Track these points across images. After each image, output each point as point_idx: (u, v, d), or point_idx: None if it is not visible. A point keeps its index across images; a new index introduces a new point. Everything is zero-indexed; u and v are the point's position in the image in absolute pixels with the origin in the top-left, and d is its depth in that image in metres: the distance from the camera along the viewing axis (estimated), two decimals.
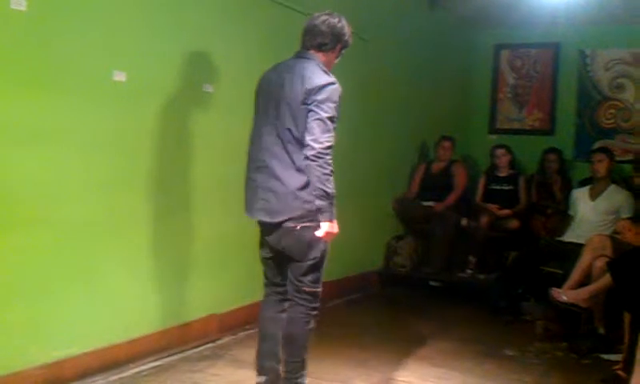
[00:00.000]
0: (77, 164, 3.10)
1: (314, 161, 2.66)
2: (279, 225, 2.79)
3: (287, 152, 2.75)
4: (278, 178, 2.77)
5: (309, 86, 2.71)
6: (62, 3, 2.98)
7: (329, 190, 2.69)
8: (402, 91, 5.83)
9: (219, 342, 3.88)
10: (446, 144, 6.08)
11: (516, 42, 6.99)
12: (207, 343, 3.81)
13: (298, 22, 4.32)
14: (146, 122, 3.45)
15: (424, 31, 6.12)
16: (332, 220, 2.75)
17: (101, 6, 3.17)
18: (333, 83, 2.74)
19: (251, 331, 4.06)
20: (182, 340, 3.70)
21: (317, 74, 2.76)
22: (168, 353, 3.57)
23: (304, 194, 2.73)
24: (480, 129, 7.12)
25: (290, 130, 2.74)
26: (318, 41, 2.89)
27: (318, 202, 2.70)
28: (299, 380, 2.86)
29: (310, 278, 2.84)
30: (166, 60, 3.54)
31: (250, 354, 3.64)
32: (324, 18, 2.90)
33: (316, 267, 2.84)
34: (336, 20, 2.91)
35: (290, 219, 2.76)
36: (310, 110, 2.70)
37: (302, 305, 2.85)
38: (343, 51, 2.99)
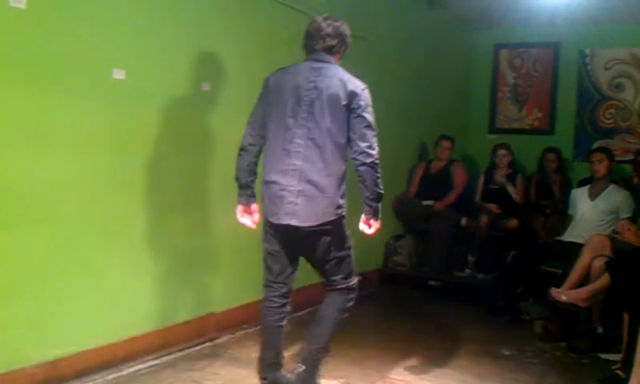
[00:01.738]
0: (76, 162, 3.10)
1: (372, 167, 2.77)
2: (308, 228, 2.77)
3: (321, 155, 2.75)
4: (311, 183, 2.75)
5: (351, 88, 2.76)
6: (61, 1, 2.98)
7: (382, 192, 2.83)
8: (401, 91, 5.82)
9: (217, 341, 3.87)
10: (446, 143, 6.08)
11: (516, 41, 6.98)
12: (205, 342, 3.81)
13: (297, 20, 4.35)
14: (145, 119, 3.45)
15: (423, 31, 6.12)
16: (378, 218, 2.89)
17: (100, 3, 3.16)
18: (367, 88, 2.83)
19: (249, 330, 4.06)
20: (180, 339, 3.70)
21: (352, 77, 2.83)
22: (166, 351, 3.57)
23: (338, 200, 2.78)
24: (479, 128, 7.12)
25: (329, 130, 2.75)
26: (328, 43, 2.87)
27: (374, 205, 2.84)
28: (318, 365, 2.98)
29: (341, 275, 2.91)
30: (164, 58, 3.54)
31: (248, 353, 3.65)
32: (328, 21, 2.89)
33: (345, 263, 2.90)
34: (338, 23, 2.92)
35: (321, 224, 2.77)
36: (358, 116, 2.76)
37: (340, 295, 2.94)
38: (345, 53, 3.00)
